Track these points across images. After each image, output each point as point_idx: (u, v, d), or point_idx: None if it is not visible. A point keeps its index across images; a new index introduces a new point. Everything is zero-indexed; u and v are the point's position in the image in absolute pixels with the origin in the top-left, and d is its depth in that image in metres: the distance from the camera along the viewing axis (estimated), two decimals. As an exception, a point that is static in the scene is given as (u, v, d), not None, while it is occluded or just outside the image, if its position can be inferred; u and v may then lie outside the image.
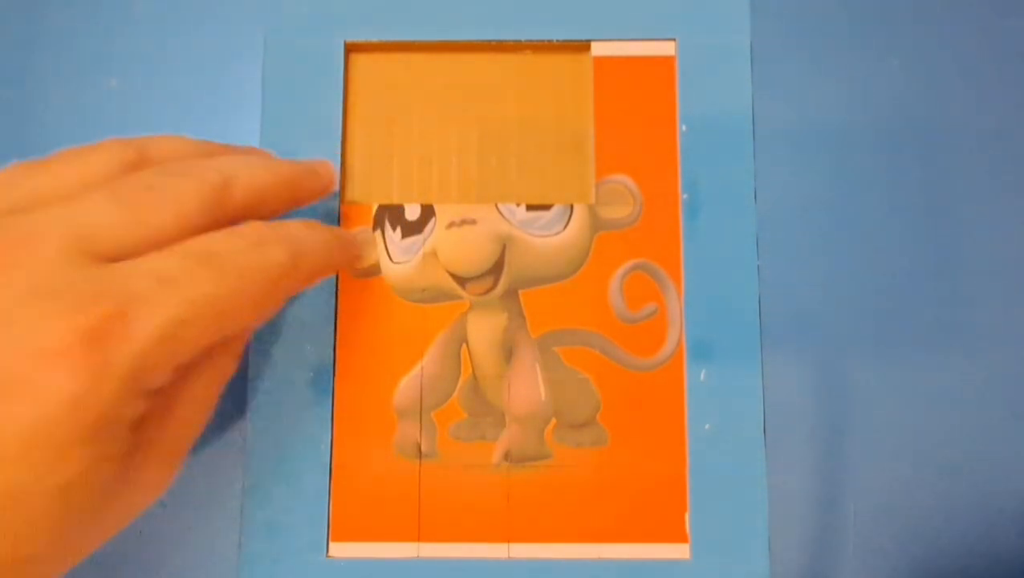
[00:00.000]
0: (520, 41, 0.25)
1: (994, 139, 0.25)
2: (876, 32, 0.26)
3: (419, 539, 0.23)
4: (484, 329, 0.24)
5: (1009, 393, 0.24)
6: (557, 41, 0.25)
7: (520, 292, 0.24)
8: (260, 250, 0.18)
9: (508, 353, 0.24)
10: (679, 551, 0.23)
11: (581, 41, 0.25)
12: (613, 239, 0.24)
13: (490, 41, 0.25)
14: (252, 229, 0.18)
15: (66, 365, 0.15)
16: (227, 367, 0.20)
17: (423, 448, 0.24)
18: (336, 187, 0.23)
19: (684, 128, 0.24)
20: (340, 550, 0.23)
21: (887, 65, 0.26)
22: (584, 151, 0.25)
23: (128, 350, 0.16)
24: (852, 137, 0.25)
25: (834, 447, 0.24)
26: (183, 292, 0.16)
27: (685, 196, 0.24)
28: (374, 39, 0.25)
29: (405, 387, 0.24)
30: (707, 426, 0.23)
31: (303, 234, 0.20)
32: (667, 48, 0.25)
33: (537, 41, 0.25)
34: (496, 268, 0.24)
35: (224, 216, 0.18)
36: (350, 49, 0.25)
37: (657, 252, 0.24)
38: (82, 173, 0.18)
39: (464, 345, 0.24)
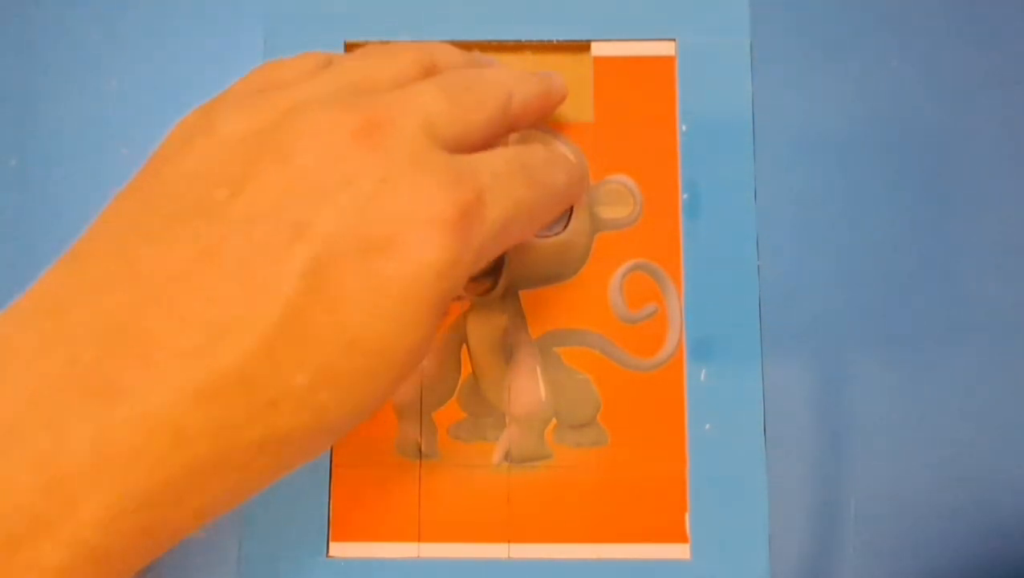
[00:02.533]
0: (520, 41, 0.25)
1: (994, 139, 0.25)
2: (876, 32, 0.26)
3: (419, 539, 0.23)
4: (484, 329, 0.24)
5: (1009, 393, 0.24)
6: (557, 41, 0.25)
7: (520, 292, 0.24)
8: (551, 170, 0.20)
9: (508, 353, 0.24)
10: (679, 551, 0.23)
11: (581, 41, 0.25)
12: (613, 239, 0.24)
13: (490, 41, 0.25)
14: (543, 152, 0.21)
15: (444, 233, 0.16)
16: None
17: (423, 448, 0.24)
18: (567, 93, 0.24)
19: (684, 128, 0.24)
20: (340, 550, 0.23)
21: (887, 65, 0.26)
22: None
23: (482, 232, 0.17)
24: (852, 137, 0.25)
25: (834, 447, 0.24)
26: (512, 190, 0.18)
27: (685, 196, 0.24)
28: (374, 39, 0.25)
29: (405, 387, 0.24)
30: (707, 426, 0.23)
31: (567, 162, 0.22)
32: (667, 48, 0.25)
33: (537, 41, 0.25)
34: (496, 268, 0.24)
35: (507, 124, 0.20)
36: (350, 49, 0.25)
37: (657, 252, 0.24)
38: (395, 69, 0.19)
39: (464, 345, 0.24)
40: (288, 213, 0.16)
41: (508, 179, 0.18)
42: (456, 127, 0.18)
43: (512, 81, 0.21)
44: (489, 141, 0.19)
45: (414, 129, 0.17)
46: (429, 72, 0.20)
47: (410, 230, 0.16)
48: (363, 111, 0.17)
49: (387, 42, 0.20)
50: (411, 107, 0.18)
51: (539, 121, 0.23)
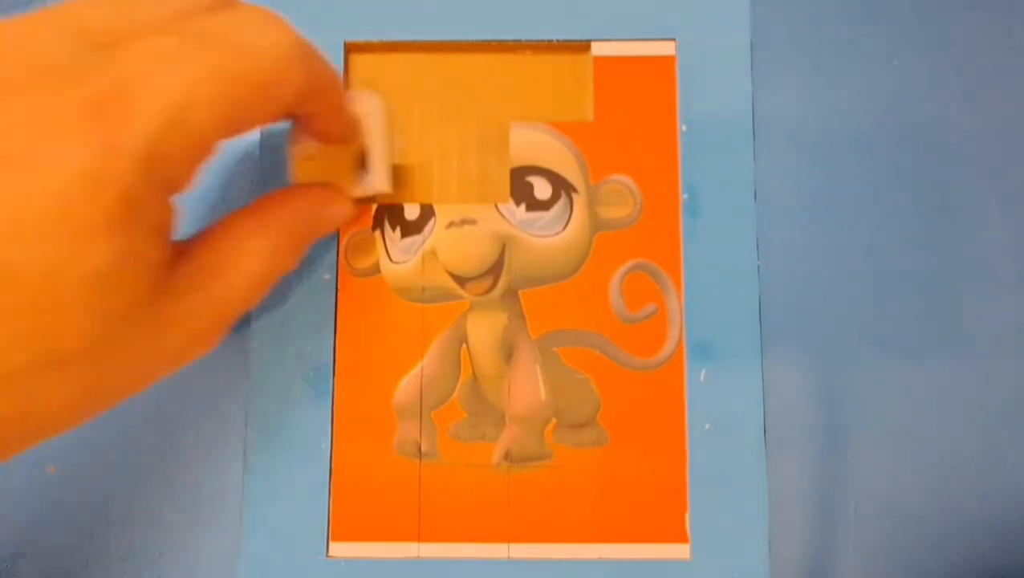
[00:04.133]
0: (520, 41, 0.25)
1: (994, 139, 0.25)
2: (876, 32, 0.26)
3: (419, 539, 0.23)
4: (484, 329, 0.24)
5: (1009, 393, 0.24)
6: (557, 41, 0.25)
7: (520, 292, 0.24)
8: (263, 29, 0.17)
9: (508, 353, 0.24)
10: (679, 551, 0.23)
11: (581, 41, 0.25)
12: (613, 239, 0.24)
13: (490, 41, 0.25)
14: (256, 9, 0.17)
15: (74, 139, 0.14)
16: (283, 256, 0.20)
17: (423, 448, 0.24)
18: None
19: (684, 128, 0.24)
20: (340, 550, 0.23)
21: (887, 65, 0.26)
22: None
23: (136, 129, 0.15)
24: (852, 137, 0.25)
25: (834, 447, 0.24)
26: (180, 70, 0.15)
27: (685, 196, 0.24)
28: (374, 39, 0.25)
29: (405, 387, 0.24)
30: (707, 426, 0.23)
31: (311, 45, 0.18)
32: (667, 48, 0.25)
33: (537, 41, 0.25)
34: (496, 268, 0.24)
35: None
36: (350, 49, 0.25)
37: (657, 252, 0.24)
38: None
39: (464, 345, 0.24)
40: None
41: (174, 57, 0.16)
42: (119, 24, 0.16)
43: None
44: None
45: (52, 35, 0.16)
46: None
47: (28, 140, 0.14)
48: (13, 24, 0.16)
49: None
50: (52, 17, 0.16)
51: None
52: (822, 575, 0.24)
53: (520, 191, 0.24)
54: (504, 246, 0.24)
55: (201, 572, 0.24)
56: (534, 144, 0.25)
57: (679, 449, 0.23)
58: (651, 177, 0.25)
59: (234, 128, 0.17)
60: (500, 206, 0.24)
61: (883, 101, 0.26)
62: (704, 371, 0.24)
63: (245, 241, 0.19)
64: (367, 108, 0.23)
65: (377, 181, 0.23)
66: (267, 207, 0.20)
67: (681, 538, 0.23)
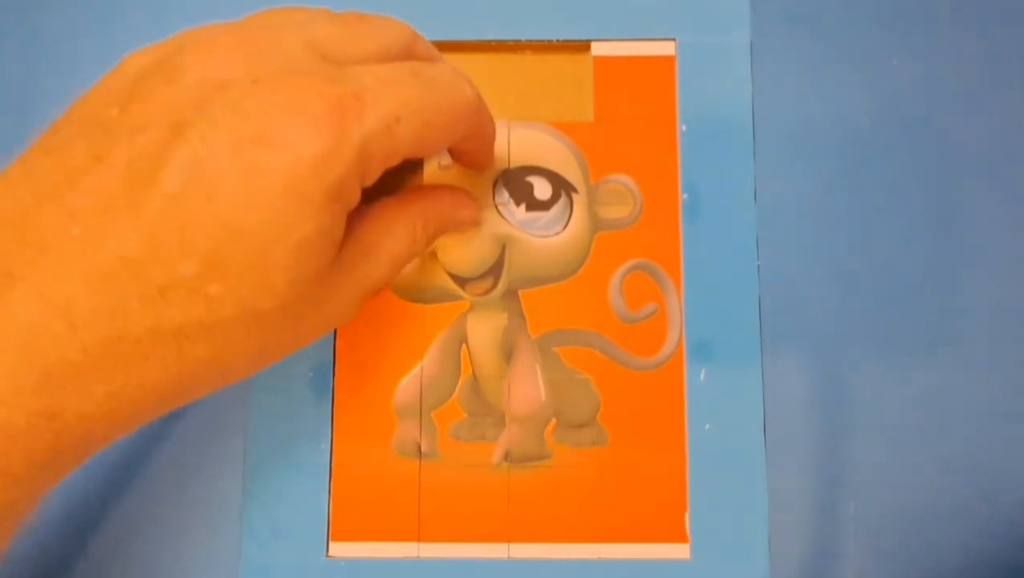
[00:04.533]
0: (520, 41, 0.25)
1: (994, 139, 0.25)
2: (876, 32, 0.26)
3: (419, 539, 0.23)
4: (484, 329, 0.24)
5: (1009, 393, 0.24)
6: (557, 41, 0.25)
7: (520, 292, 0.24)
8: (455, 80, 0.20)
9: (508, 353, 0.24)
10: (679, 551, 0.23)
11: (581, 41, 0.25)
12: (613, 239, 0.24)
13: (490, 41, 0.25)
14: (448, 66, 0.21)
15: (317, 125, 0.17)
16: (417, 243, 0.22)
17: (423, 448, 0.24)
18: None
19: (684, 128, 0.24)
20: (340, 550, 0.23)
21: (887, 65, 0.26)
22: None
23: (362, 127, 0.18)
24: (852, 137, 0.25)
25: (834, 447, 0.24)
26: (398, 92, 0.18)
27: (685, 196, 0.24)
28: (374, 39, 0.25)
29: (405, 387, 0.24)
30: (707, 426, 0.23)
31: (472, 86, 0.22)
32: (667, 48, 0.25)
33: (537, 41, 0.25)
34: (496, 268, 0.24)
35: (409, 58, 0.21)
36: (350, 49, 0.25)
37: (657, 252, 0.24)
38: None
39: (464, 345, 0.24)
40: (168, 119, 0.17)
41: (394, 82, 0.19)
42: (343, 49, 0.19)
43: (416, 33, 0.21)
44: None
45: (295, 43, 0.18)
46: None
47: (280, 123, 0.17)
48: (249, 32, 0.19)
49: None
50: (297, 29, 0.19)
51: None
52: (822, 575, 0.24)
53: (520, 191, 0.24)
54: (504, 246, 0.24)
55: (202, 572, 0.24)
56: (534, 144, 0.25)
57: (679, 449, 0.23)
58: (651, 177, 0.25)
59: (423, 148, 0.20)
60: (500, 206, 0.24)
61: (883, 101, 0.26)
62: (704, 371, 0.24)
63: (391, 227, 0.21)
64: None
65: None
66: (411, 199, 0.22)
67: (681, 538, 0.23)
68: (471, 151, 0.23)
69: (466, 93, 0.20)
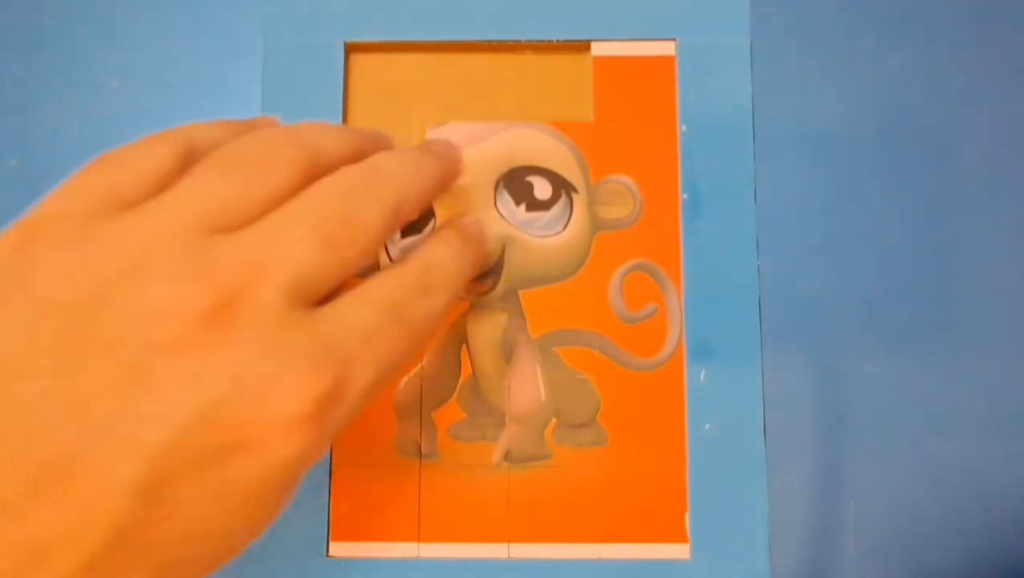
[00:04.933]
0: (520, 41, 0.25)
1: (994, 139, 0.25)
2: (876, 32, 0.26)
3: (419, 539, 0.23)
4: (484, 329, 0.24)
5: (1009, 393, 0.24)
6: (557, 41, 0.25)
7: (520, 292, 0.24)
8: (428, 298, 0.18)
9: (508, 353, 0.24)
10: (679, 551, 0.23)
11: (581, 41, 0.25)
12: (613, 239, 0.24)
13: (490, 41, 0.25)
14: (417, 274, 0.18)
15: (300, 431, 0.15)
16: None
17: (423, 448, 0.24)
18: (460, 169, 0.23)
19: (684, 128, 0.24)
20: (340, 550, 0.23)
21: (887, 65, 0.26)
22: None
23: (342, 412, 0.16)
24: (852, 137, 0.25)
25: (834, 447, 0.24)
26: (383, 353, 0.17)
27: (685, 196, 0.24)
28: (374, 39, 0.25)
29: (405, 387, 0.24)
30: (707, 426, 0.23)
31: (450, 265, 0.20)
32: (667, 48, 0.25)
33: (537, 41, 0.25)
34: (496, 268, 0.24)
35: (395, 230, 0.19)
36: (350, 49, 0.25)
37: (657, 252, 0.24)
38: (265, 187, 0.17)
39: (464, 345, 0.24)
40: (117, 422, 0.14)
41: (379, 339, 0.17)
42: (328, 275, 0.17)
43: (408, 176, 0.19)
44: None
45: (273, 296, 0.15)
46: (309, 177, 0.18)
47: (261, 434, 0.15)
48: (214, 281, 0.15)
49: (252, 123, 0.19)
50: (275, 264, 0.16)
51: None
52: (822, 575, 0.24)
53: (520, 191, 0.24)
54: (504, 246, 0.24)
55: (201, 572, 0.24)
56: (534, 144, 0.25)
57: (679, 449, 0.23)
58: (651, 177, 0.25)
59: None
60: (500, 206, 0.24)
61: (883, 101, 0.26)
62: (704, 371, 0.24)
63: None
64: None
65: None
66: None
67: (681, 538, 0.23)
68: None
69: (435, 311, 0.18)
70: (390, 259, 0.24)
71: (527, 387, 0.24)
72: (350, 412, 0.16)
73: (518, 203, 0.24)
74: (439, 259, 0.20)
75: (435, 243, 0.20)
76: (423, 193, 0.20)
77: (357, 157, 0.19)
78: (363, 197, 0.18)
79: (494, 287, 0.24)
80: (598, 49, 0.25)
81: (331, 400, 0.16)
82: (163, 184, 0.17)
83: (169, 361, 0.14)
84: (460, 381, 0.24)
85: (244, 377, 0.15)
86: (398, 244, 0.24)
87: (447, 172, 0.21)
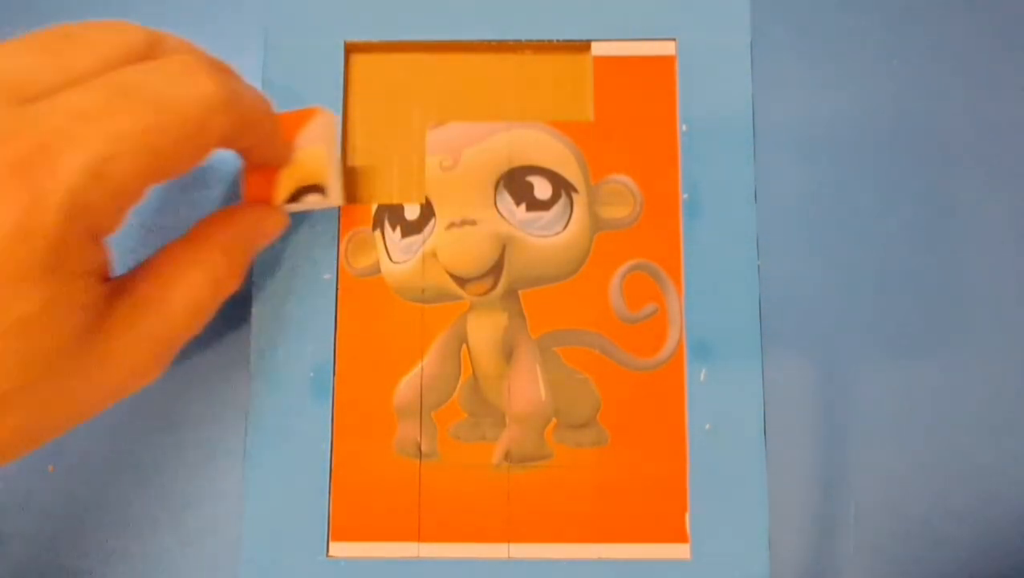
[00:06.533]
0: (520, 41, 0.25)
1: (994, 139, 0.25)
2: (876, 32, 0.26)
3: (419, 539, 0.23)
4: (484, 329, 0.24)
5: (1009, 392, 0.24)
6: (557, 41, 0.25)
7: (520, 292, 0.24)
8: (186, 80, 0.17)
9: (508, 353, 0.24)
10: (679, 551, 0.23)
11: (581, 41, 0.25)
12: (613, 239, 0.24)
13: (490, 41, 0.25)
14: (180, 60, 0.18)
15: (1, 197, 0.15)
16: (224, 282, 0.20)
17: (423, 448, 0.24)
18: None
19: (684, 128, 0.24)
20: (340, 550, 0.23)
21: (887, 65, 0.26)
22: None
23: (58, 182, 0.15)
24: (852, 137, 0.25)
25: (834, 447, 0.24)
26: (102, 124, 0.16)
27: (685, 196, 0.24)
28: (374, 39, 0.25)
29: (405, 387, 0.24)
30: (707, 426, 0.23)
31: (231, 71, 0.19)
32: (667, 48, 0.25)
33: (537, 41, 0.25)
34: (496, 268, 0.24)
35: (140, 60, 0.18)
36: (350, 49, 0.25)
37: (657, 252, 0.24)
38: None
39: (464, 345, 0.24)
40: None
41: (95, 112, 0.16)
42: (43, 78, 0.17)
43: (156, 35, 0.19)
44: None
45: None
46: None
47: None
48: None
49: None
50: None
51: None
52: (822, 575, 0.24)
53: (520, 191, 0.24)
54: (504, 246, 0.24)
55: (202, 572, 0.24)
56: (534, 144, 0.25)
57: (679, 449, 0.23)
58: (651, 177, 0.25)
59: (159, 175, 0.17)
60: (500, 206, 0.24)
61: (883, 101, 0.26)
62: (704, 371, 0.24)
63: (182, 273, 0.19)
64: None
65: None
66: (202, 235, 0.20)
67: (681, 538, 0.23)
68: (248, 150, 0.20)
69: (201, 92, 0.17)
70: (390, 260, 0.24)
71: (527, 387, 0.24)
72: (78, 188, 0.16)
73: (518, 203, 0.24)
74: (216, 61, 0.19)
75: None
76: (183, 46, 0.19)
77: None
78: (106, 27, 0.18)
79: (494, 287, 0.24)
80: (598, 49, 0.25)
81: (30, 165, 0.15)
82: None
83: None
84: (460, 381, 0.24)
85: None
86: (398, 244, 0.24)
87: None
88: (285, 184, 0.22)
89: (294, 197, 0.22)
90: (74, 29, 0.18)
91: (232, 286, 0.20)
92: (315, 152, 0.22)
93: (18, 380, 0.16)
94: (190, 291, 0.19)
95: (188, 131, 0.17)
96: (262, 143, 0.20)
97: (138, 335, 0.18)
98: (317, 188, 0.22)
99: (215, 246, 0.20)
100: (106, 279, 0.18)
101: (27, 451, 0.18)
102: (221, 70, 0.19)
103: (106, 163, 0.16)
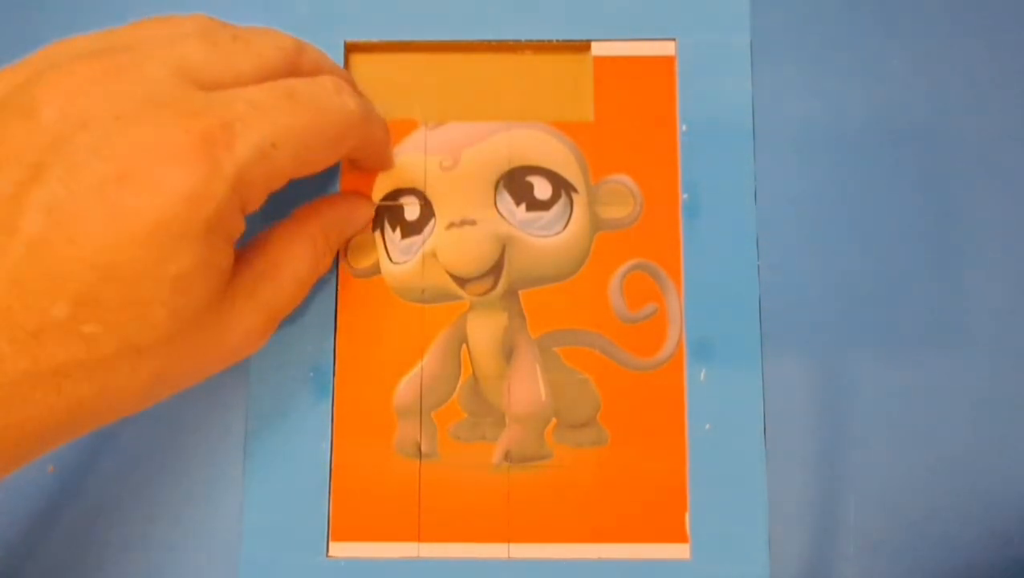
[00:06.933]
0: (520, 41, 0.25)
1: (994, 139, 0.25)
2: (876, 32, 0.26)
3: (419, 539, 0.23)
4: (484, 329, 0.24)
5: (1009, 392, 0.24)
6: (557, 41, 0.25)
7: (520, 292, 0.24)
8: (336, 96, 0.20)
9: (508, 353, 0.24)
10: (679, 551, 0.23)
11: (581, 41, 0.25)
12: (613, 239, 0.24)
13: (490, 41, 0.25)
14: (331, 80, 0.20)
15: (184, 162, 0.17)
16: (321, 257, 0.22)
17: (423, 448, 0.24)
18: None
19: (684, 128, 0.24)
20: (340, 550, 0.23)
21: (887, 65, 0.26)
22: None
23: (233, 158, 0.17)
24: (852, 137, 0.25)
25: (834, 447, 0.24)
26: (272, 116, 0.18)
27: (685, 196, 0.24)
28: (374, 39, 0.25)
29: (405, 387, 0.24)
30: (707, 426, 0.23)
31: (367, 100, 0.22)
32: (667, 48, 0.25)
33: (537, 41, 0.25)
34: (496, 268, 0.24)
35: (291, 73, 0.20)
36: (350, 49, 0.25)
37: (657, 252, 0.24)
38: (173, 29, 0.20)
39: (464, 345, 0.24)
40: (25, 160, 0.16)
41: (268, 106, 0.18)
42: (215, 69, 0.19)
43: (301, 43, 0.21)
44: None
45: (161, 70, 0.18)
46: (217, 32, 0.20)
47: (145, 161, 0.17)
48: (112, 58, 0.18)
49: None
50: (163, 53, 0.18)
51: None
52: (822, 575, 0.24)
53: (520, 191, 0.24)
54: (504, 246, 0.24)
55: (201, 572, 0.24)
56: (534, 144, 0.25)
57: (679, 449, 0.23)
58: (651, 177, 0.25)
59: (305, 168, 0.20)
60: (500, 206, 0.24)
61: (883, 101, 0.26)
62: (704, 371, 0.24)
63: (290, 247, 0.21)
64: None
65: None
66: (305, 216, 0.22)
67: (681, 538, 0.23)
68: (364, 159, 0.23)
69: (348, 108, 0.20)
70: (390, 260, 0.24)
71: (527, 387, 0.24)
72: (247, 164, 0.18)
73: (518, 203, 0.24)
74: (346, 87, 0.21)
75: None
76: (321, 55, 0.22)
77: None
78: (260, 33, 0.20)
79: (494, 287, 0.24)
80: (598, 49, 0.25)
81: (214, 138, 0.17)
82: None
83: (67, 112, 0.17)
84: (460, 381, 0.24)
85: (125, 116, 0.17)
86: (398, 244, 0.24)
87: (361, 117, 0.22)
88: (382, 184, 0.24)
89: (389, 197, 0.24)
90: (240, 32, 0.20)
91: (328, 265, 0.23)
92: (414, 159, 0.24)
93: (165, 331, 0.18)
94: (298, 266, 0.21)
95: (334, 136, 0.20)
96: (377, 157, 0.24)
97: (256, 302, 0.20)
98: (411, 191, 0.24)
99: (316, 228, 0.22)
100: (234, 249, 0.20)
101: (155, 401, 0.19)
102: (360, 92, 0.22)
103: (272, 148, 0.18)
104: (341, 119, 0.20)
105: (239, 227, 0.19)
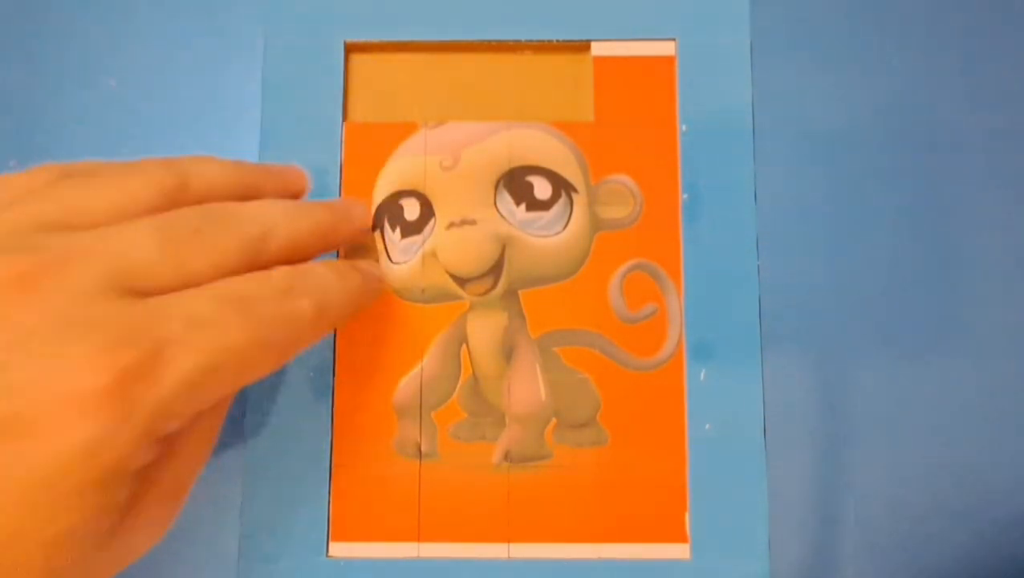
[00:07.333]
0: (520, 41, 0.25)
1: (994, 139, 0.25)
2: (876, 32, 0.26)
3: (419, 539, 0.23)
4: (484, 329, 0.24)
5: (1009, 393, 0.24)
6: (557, 41, 0.25)
7: (520, 292, 0.24)
8: (288, 301, 0.18)
9: (508, 353, 0.24)
10: (679, 551, 0.23)
11: (581, 41, 0.25)
12: (613, 239, 0.24)
13: (490, 41, 0.25)
14: (282, 277, 0.18)
15: (91, 409, 0.14)
16: (225, 406, 0.20)
17: (423, 448, 0.24)
18: (370, 224, 0.24)
19: (684, 128, 0.24)
20: (340, 550, 0.23)
21: (887, 65, 0.26)
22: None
23: (154, 395, 0.15)
24: (852, 137, 0.25)
25: (834, 447, 0.24)
26: (213, 338, 0.16)
27: (685, 196, 0.24)
28: (374, 39, 0.25)
29: (405, 387, 0.24)
30: (707, 426, 0.23)
31: (330, 283, 0.19)
32: (667, 48, 0.25)
33: (537, 41, 0.25)
34: (496, 268, 0.24)
35: (260, 266, 0.18)
36: (350, 49, 0.25)
37: (657, 252, 0.24)
38: (121, 196, 0.17)
39: (464, 345, 0.24)
40: None
41: (211, 323, 0.16)
42: (161, 272, 0.16)
43: (280, 218, 0.19)
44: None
45: (91, 277, 0.15)
46: (175, 195, 0.18)
47: (43, 408, 0.14)
48: (35, 254, 0.15)
49: (142, 160, 0.19)
50: (101, 250, 0.16)
51: (323, 251, 0.21)
52: (822, 575, 0.24)
53: (520, 191, 0.24)
54: (504, 246, 0.24)
55: (201, 572, 0.24)
56: (534, 144, 0.25)
57: (679, 449, 0.23)
58: (651, 177, 0.25)
59: (247, 382, 0.17)
60: (500, 206, 0.24)
61: (883, 101, 0.26)
62: (704, 371, 0.24)
63: (203, 455, 0.19)
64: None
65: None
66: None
67: (681, 538, 0.23)
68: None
69: (299, 313, 0.18)
70: (390, 260, 0.24)
71: (527, 387, 0.24)
72: (170, 400, 0.15)
73: (518, 203, 0.24)
74: (316, 271, 0.19)
75: (320, 263, 0.20)
76: (304, 229, 0.19)
77: (244, 190, 0.20)
78: (224, 221, 0.18)
79: (494, 287, 0.24)
80: (598, 49, 0.25)
81: (135, 377, 0.15)
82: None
83: None
84: (460, 381, 0.24)
85: (27, 346, 0.14)
86: (398, 244, 0.24)
87: (340, 214, 0.21)
88: (383, 188, 0.24)
89: (391, 199, 0.24)
90: (202, 224, 0.17)
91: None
92: (414, 159, 0.24)
93: None
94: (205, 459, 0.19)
95: (281, 348, 0.18)
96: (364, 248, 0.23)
97: (162, 512, 0.18)
98: (413, 193, 0.24)
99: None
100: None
101: None
102: (326, 281, 0.19)
103: (206, 375, 0.16)
104: (291, 329, 0.18)
105: (150, 455, 0.16)
